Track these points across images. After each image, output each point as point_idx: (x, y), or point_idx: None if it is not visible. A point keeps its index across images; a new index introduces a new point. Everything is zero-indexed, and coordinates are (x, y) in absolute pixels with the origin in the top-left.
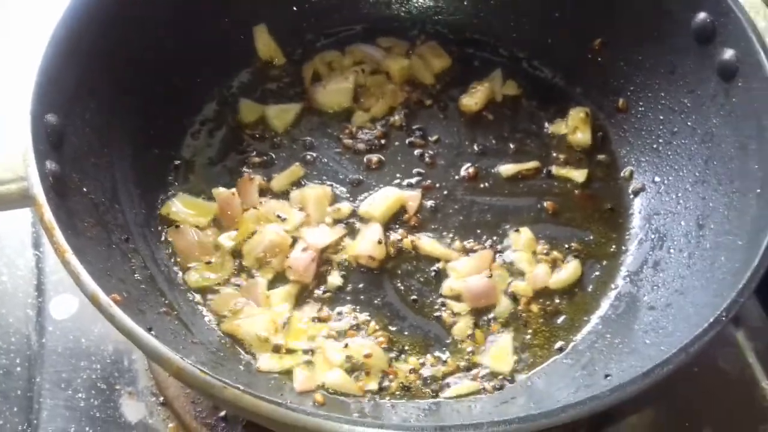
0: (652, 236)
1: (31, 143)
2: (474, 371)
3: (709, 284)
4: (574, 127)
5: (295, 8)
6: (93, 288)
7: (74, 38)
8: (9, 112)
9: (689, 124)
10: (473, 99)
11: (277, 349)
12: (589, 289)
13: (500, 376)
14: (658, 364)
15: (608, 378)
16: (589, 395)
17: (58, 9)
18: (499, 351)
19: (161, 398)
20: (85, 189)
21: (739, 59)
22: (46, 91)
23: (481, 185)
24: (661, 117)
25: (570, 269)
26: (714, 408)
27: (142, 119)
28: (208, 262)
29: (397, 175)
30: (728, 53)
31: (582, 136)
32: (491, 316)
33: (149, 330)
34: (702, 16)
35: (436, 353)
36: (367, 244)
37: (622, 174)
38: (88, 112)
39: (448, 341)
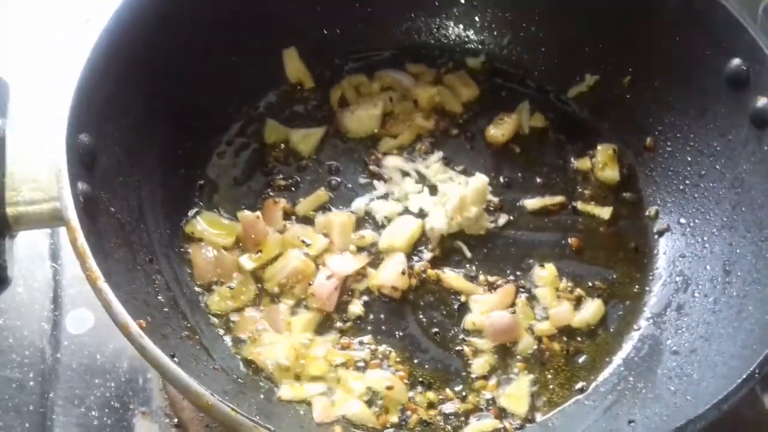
0: (677, 278)
1: (66, 164)
2: (493, 409)
3: (736, 333)
4: (603, 163)
5: (324, 32)
6: (124, 318)
7: (110, 59)
8: (39, 128)
9: (718, 167)
10: (500, 130)
11: (297, 378)
12: (612, 330)
13: (520, 416)
14: (691, 420)
15: (632, 424)
16: None
17: (94, 29)
18: (516, 392)
19: (175, 420)
20: (112, 209)
21: None
22: (80, 110)
23: (506, 218)
24: (689, 158)
25: (593, 309)
26: None
27: (170, 138)
28: (231, 287)
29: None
30: (762, 101)
31: (610, 173)
32: (513, 352)
33: (172, 356)
34: (736, 62)
35: (457, 388)
36: (390, 274)
37: (647, 213)
38: (118, 131)
39: (468, 376)
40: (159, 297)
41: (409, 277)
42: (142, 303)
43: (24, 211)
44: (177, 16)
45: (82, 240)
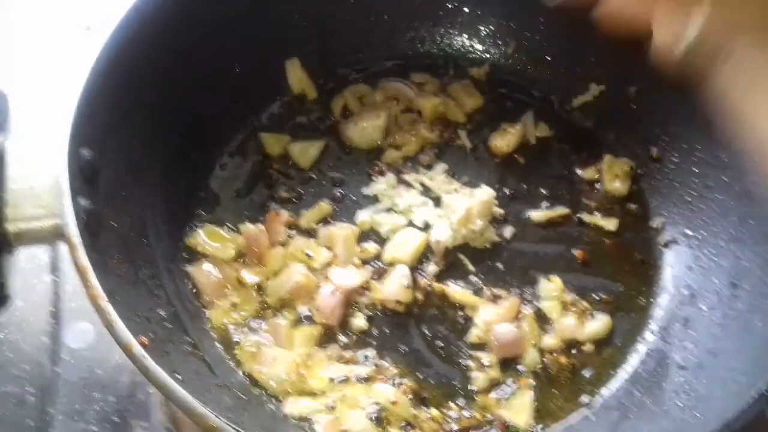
0: (683, 291)
1: (67, 179)
2: (497, 424)
3: (744, 349)
4: (614, 176)
5: (327, 42)
6: (128, 338)
7: (112, 70)
8: (38, 143)
9: (725, 179)
10: (505, 141)
11: (300, 394)
12: (618, 343)
13: (524, 430)
14: None
15: None
16: None
17: (97, 40)
18: (521, 406)
19: None
20: (114, 224)
21: None
22: (81, 124)
23: (512, 231)
24: (696, 170)
25: (601, 323)
26: None
27: (173, 150)
28: (233, 304)
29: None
30: None
31: (619, 186)
32: (518, 366)
33: (174, 373)
34: None
35: (461, 402)
36: (394, 287)
37: (653, 225)
38: (121, 144)
39: (473, 391)
40: (161, 312)
41: (413, 291)
42: (144, 319)
43: (25, 227)
44: (180, 28)
45: (83, 257)
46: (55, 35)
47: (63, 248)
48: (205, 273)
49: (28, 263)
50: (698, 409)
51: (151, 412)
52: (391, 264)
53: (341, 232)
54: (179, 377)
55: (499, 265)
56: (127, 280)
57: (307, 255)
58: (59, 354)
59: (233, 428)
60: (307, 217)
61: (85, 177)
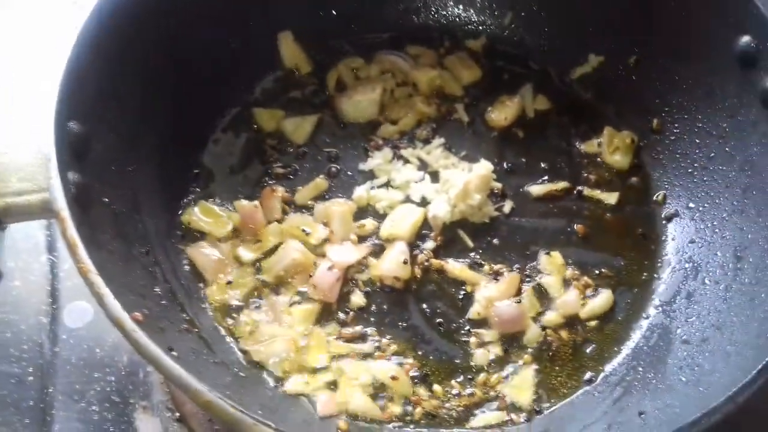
0: (686, 265)
1: (55, 153)
2: (499, 401)
3: (749, 322)
4: (615, 148)
5: (321, 14)
6: (118, 312)
7: (98, 42)
8: (26, 116)
9: (727, 150)
10: (502, 114)
11: (299, 371)
12: (620, 318)
13: (526, 408)
14: (705, 413)
15: (642, 416)
16: None
17: (81, 13)
18: (520, 382)
19: (177, 414)
20: (105, 199)
21: None
22: (69, 97)
23: (511, 205)
24: (698, 140)
25: (602, 299)
26: None
27: (165, 124)
28: (229, 282)
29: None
30: None
31: (620, 159)
32: (520, 342)
33: (170, 350)
34: (746, 39)
35: (461, 380)
36: (392, 263)
37: (654, 198)
38: (112, 117)
39: (474, 368)
40: (156, 289)
41: (411, 267)
42: (138, 296)
43: (12, 202)
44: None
45: (72, 231)
46: (42, 9)
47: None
48: (203, 251)
49: (25, 243)
50: (702, 383)
51: (152, 392)
52: (389, 240)
53: (338, 208)
54: (175, 354)
55: (498, 241)
56: (120, 256)
57: (304, 231)
58: (58, 334)
59: (228, 403)
60: (303, 194)
61: (74, 151)
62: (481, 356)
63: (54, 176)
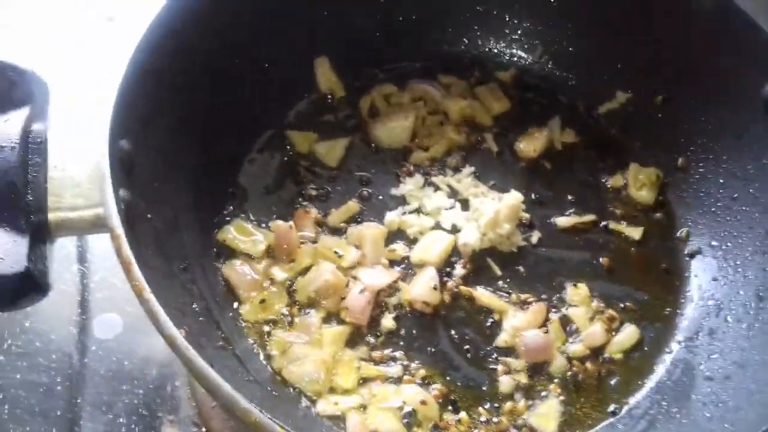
0: (709, 302)
1: (109, 171)
2: (526, 430)
3: None
4: (640, 184)
5: (356, 41)
6: (171, 330)
7: (148, 64)
8: (78, 133)
9: (751, 191)
10: (531, 145)
11: (330, 393)
12: (644, 352)
13: None
14: None
15: None
16: None
17: (136, 35)
18: (547, 411)
19: (203, 429)
20: (149, 215)
21: None
22: (122, 115)
23: (539, 236)
24: (722, 181)
25: (629, 334)
26: None
27: (203, 143)
28: (262, 301)
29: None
30: None
31: (645, 195)
32: (546, 372)
33: (211, 366)
34: None
35: (488, 407)
36: (422, 288)
37: (678, 234)
38: (155, 136)
39: (500, 395)
40: (194, 306)
41: (441, 293)
42: (178, 312)
43: (66, 217)
44: (215, 23)
45: (126, 249)
46: (78, 25)
47: (91, 239)
48: (237, 269)
49: (56, 254)
50: (727, 420)
51: (180, 406)
52: (419, 265)
53: (370, 231)
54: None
55: (525, 270)
56: (162, 273)
57: (336, 253)
58: (87, 345)
59: (278, 424)
60: (335, 216)
61: (123, 168)
62: (507, 384)
63: (108, 193)
